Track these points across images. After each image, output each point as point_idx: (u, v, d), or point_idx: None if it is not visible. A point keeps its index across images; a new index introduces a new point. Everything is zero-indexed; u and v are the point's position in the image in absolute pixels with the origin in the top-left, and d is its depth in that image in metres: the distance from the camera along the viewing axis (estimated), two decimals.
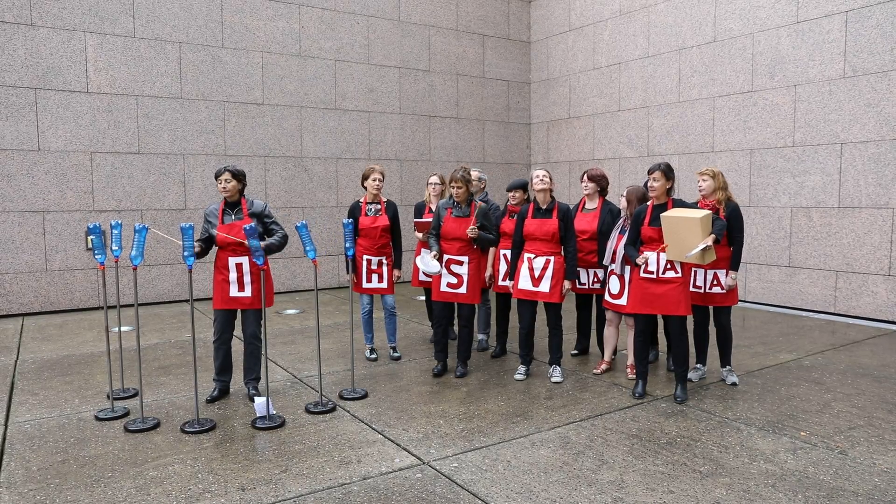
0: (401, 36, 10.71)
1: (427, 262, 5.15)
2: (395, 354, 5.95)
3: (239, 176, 4.65)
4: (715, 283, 4.99)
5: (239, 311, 4.78)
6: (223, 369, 4.83)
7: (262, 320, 4.66)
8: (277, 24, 9.58)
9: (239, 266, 4.62)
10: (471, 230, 5.14)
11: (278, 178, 9.74)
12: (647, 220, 4.70)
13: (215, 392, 4.79)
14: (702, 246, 4.32)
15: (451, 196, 5.34)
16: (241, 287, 4.63)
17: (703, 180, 4.98)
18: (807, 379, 5.31)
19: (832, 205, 7.86)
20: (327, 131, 10.11)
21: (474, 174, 6.11)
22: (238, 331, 5.21)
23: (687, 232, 4.36)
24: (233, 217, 4.65)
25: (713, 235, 4.40)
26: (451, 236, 5.26)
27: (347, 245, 4.86)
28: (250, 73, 9.40)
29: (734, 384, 5.11)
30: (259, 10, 9.42)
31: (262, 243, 4.50)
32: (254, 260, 4.36)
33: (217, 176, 4.62)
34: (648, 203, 4.81)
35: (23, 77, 7.90)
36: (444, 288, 5.30)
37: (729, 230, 4.94)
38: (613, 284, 5.19)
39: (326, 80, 10.04)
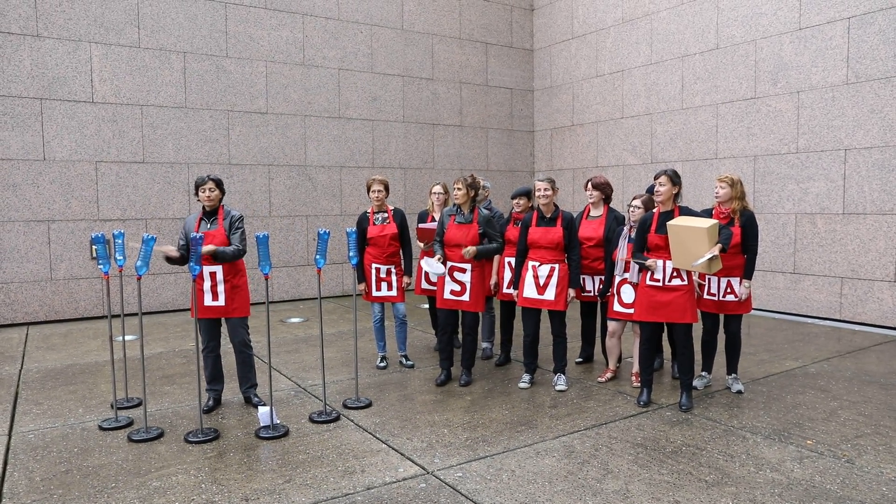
0: (404, 45, 10.75)
1: (432, 265, 5.16)
2: (408, 363, 5.95)
3: (221, 185, 4.70)
4: (729, 291, 4.97)
5: (224, 320, 4.79)
6: (214, 378, 4.85)
7: (247, 327, 4.81)
8: (281, 33, 9.63)
9: (213, 275, 4.62)
10: (466, 252, 5.11)
11: (282, 186, 9.76)
12: (653, 228, 4.69)
13: (210, 402, 4.80)
14: (708, 256, 4.30)
15: (454, 202, 5.35)
16: (215, 296, 4.64)
17: (721, 187, 4.95)
18: (813, 386, 5.28)
19: (837, 211, 7.83)
20: (331, 140, 10.14)
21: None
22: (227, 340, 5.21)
23: (693, 241, 4.35)
24: (209, 226, 4.68)
25: (720, 245, 4.38)
26: (454, 243, 5.26)
27: (351, 254, 4.87)
28: (254, 83, 9.45)
29: (740, 392, 5.08)
30: (263, 20, 9.47)
31: (206, 249, 4.45)
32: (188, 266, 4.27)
33: (199, 185, 4.64)
34: (654, 210, 4.80)
35: (28, 87, 7.95)
36: (447, 295, 5.29)
37: (744, 238, 4.91)
38: (627, 294, 5.15)
39: (330, 88, 10.08)
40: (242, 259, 4.76)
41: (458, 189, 5.23)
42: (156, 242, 4.42)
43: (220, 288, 4.63)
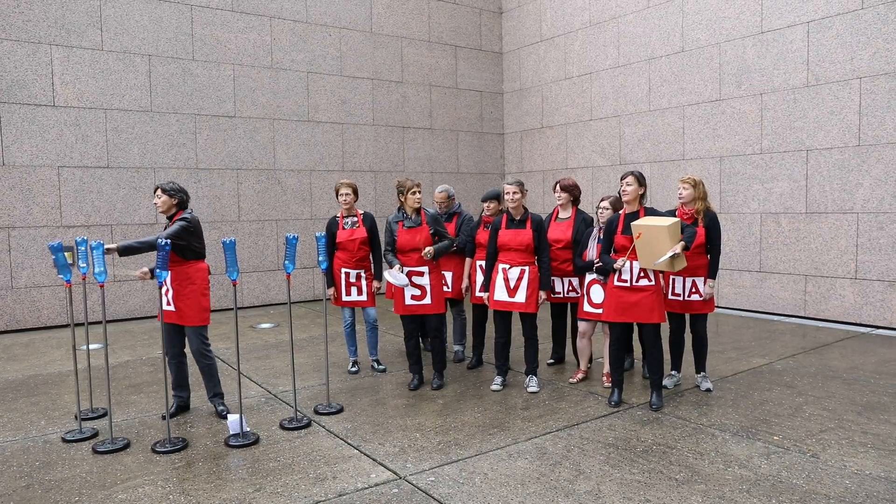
0: (373, 47, 10.72)
1: (396, 276, 5.11)
2: (380, 367, 5.91)
3: (170, 191, 4.59)
4: (693, 290, 5.05)
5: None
6: (177, 385, 4.77)
7: (203, 336, 4.66)
8: (249, 36, 9.52)
9: (166, 280, 4.54)
10: (426, 253, 5.11)
11: (251, 191, 9.65)
12: (619, 229, 4.75)
13: (173, 408, 4.72)
14: (669, 253, 4.37)
15: (399, 207, 5.33)
16: (168, 301, 4.58)
17: (684, 188, 5.04)
18: (779, 383, 5.38)
19: (800, 210, 8.02)
20: (300, 143, 10.05)
21: (440, 194, 6.13)
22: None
23: (656, 239, 4.41)
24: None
25: (682, 243, 4.45)
26: (407, 248, 5.23)
27: (321, 259, 4.82)
28: (221, 86, 9.32)
29: (709, 390, 5.16)
30: (230, 23, 9.35)
31: (116, 245, 4.28)
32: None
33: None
34: (620, 212, 4.85)
35: None
36: (409, 302, 5.26)
37: (708, 239, 5.00)
38: (596, 294, 5.19)
39: (299, 92, 9.99)
40: (194, 266, 4.57)
41: (420, 193, 5.24)
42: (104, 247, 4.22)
43: (170, 294, 4.56)
